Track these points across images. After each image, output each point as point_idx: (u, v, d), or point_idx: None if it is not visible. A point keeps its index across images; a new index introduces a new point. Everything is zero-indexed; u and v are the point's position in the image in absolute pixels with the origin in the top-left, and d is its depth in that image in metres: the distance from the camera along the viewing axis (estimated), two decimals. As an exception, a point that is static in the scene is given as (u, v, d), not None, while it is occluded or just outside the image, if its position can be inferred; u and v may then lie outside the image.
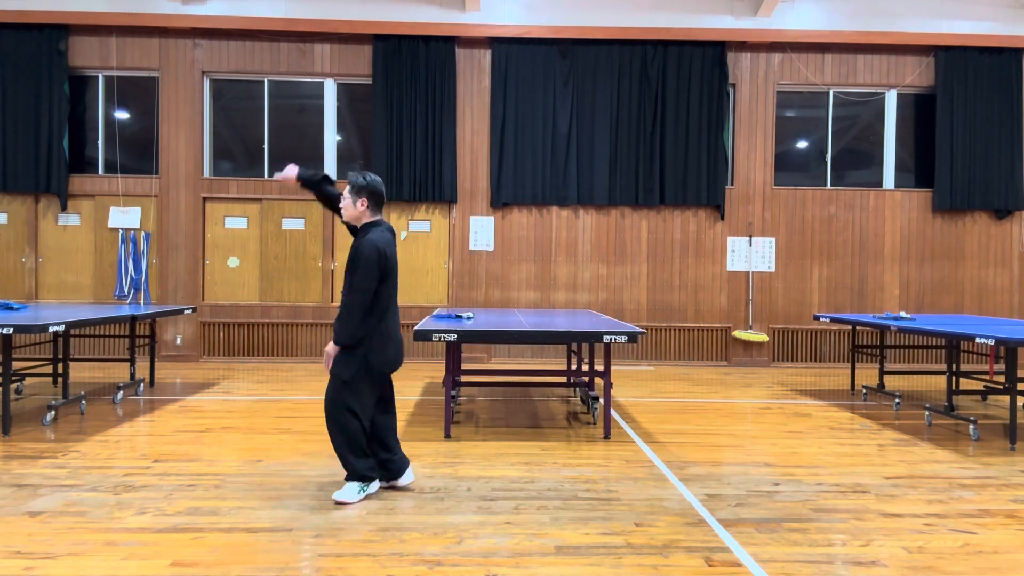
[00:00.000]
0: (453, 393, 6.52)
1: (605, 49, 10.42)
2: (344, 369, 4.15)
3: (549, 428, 6.26)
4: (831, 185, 10.87)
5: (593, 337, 5.63)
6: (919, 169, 11.01)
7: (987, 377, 6.97)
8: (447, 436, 5.84)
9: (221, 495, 4.30)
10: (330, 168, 10.59)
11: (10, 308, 6.87)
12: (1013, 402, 5.89)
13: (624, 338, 5.53)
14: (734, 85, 10.68)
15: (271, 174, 10.56)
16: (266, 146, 10.63)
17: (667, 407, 7.32)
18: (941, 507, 4.26)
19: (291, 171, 4.45)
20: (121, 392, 7.20)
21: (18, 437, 5.67)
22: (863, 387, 8.01)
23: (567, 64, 10.42)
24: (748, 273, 10.69)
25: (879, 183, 10.94)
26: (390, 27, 10.15)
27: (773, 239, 10.70)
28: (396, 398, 7.59)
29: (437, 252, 10.63)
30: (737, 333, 10.60)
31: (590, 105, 10.44)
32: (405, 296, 10.55)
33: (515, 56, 10.36)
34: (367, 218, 4.31)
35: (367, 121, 10.65)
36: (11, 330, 5.12)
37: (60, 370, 7.15)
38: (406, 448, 5.45)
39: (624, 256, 10.64)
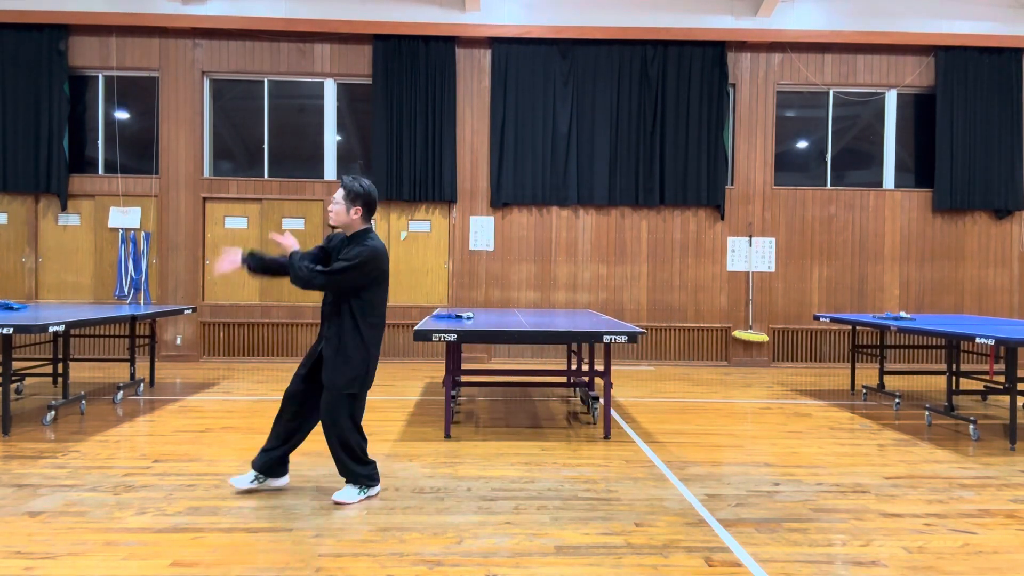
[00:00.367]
0: (453, 393, 6.52)
1: (605, 49, 10.42)
2: (349, 382, 4.12)
3: (549, 428, 6.26)
4: (831, 185, 10.87)
5: (593, 337, 5.63)
6: (919, 169, 11.01)
7: (987, 377, 6.97)
8: (447, 436, 5.84)
9: (221, 495, 4.29)
10: (330, 168, 10.59)
11: (10, 308, 6.87)
12: (1013, 402, 5.89)
13: (624, 338, 5.53)
14: (734, 85, 10.68)
15: (268, 173, 10.56)
16: (266, 146, 10.63)
17: (667, 407, 7.32)
18: (941, 507, 4.26)
19: (234, 256, 4.16)
20: (121, 392, 7.20)
21: (18, 437, 5.67)
22: (863, 387, 8.01)
23: (567, 64, 10.42)
24: (748, 273, 10.69)
25: (879, 183, 10.94)
26: (390, 27, 10.15)
27: (773, 239, 10.70)
28: (396, 398, 7.55)
29: (437, 252, 10.63)
30: (737, 333, 10.60)
31: (590, 105, 10.44)
32: (405, 296, 10.56)
33: (515, 56, 10.36)
34: (358, 226, 4.21)
35: (367, 121, 10.65)
36: (11, 330, 5.12)
37: (60, 370, 7.15)
38: (406, 448, 5.46)
39: (624, 256, 10.64)
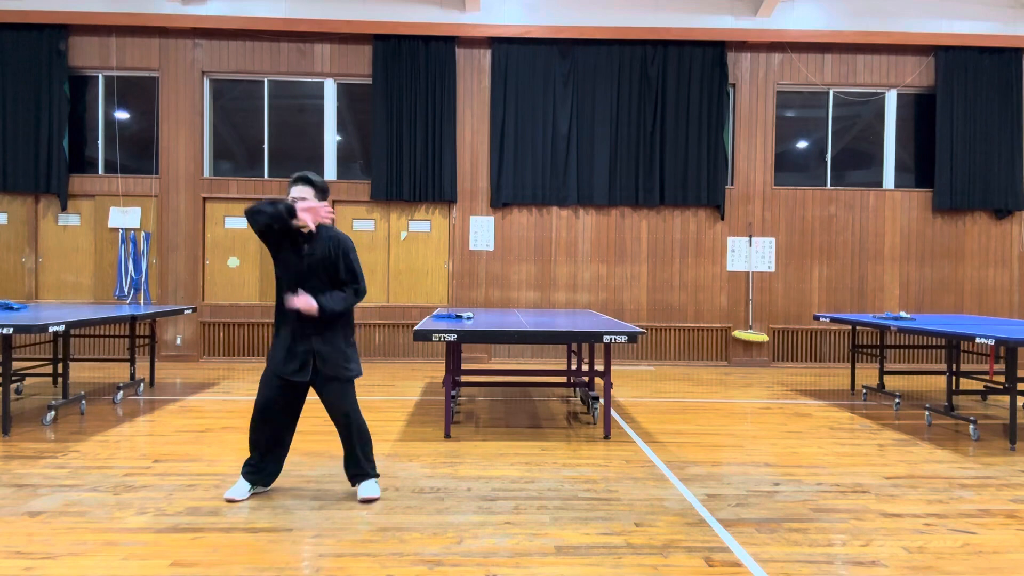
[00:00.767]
0: (453, 393, 6.52)
1: (605, 49, 10.42)
2: (355, 368, 4.24)
3: (549, 428, 6.25)
4: (831, 185, 10.87)
5: (593, 337, 5.63)
6: (919, 169, 11.01)
7: (987, 377, 6.97)
8: (447, 436, 5.84)
9: (221, 495, 4.29)
10: (330, 168, 10.60)
11: (10, 308, 6.86)
12: (1013, 402, 5.89)
13: (624, 338, 5.53)
14: (734, 85, 10.68)
15: (268, 173, 10.56)
16: (266, 146, 10.63)
17: (667, 407, 7.32)
18: (941, 507, 4.26)
19: (311, 304, 4.04)
20: (121, 392, 7.20)
21: (18, 437, 5.67)
22: (863, 387, 8.01)
23: (567, 64, 10.42)
24: (748, 273, 10.69)
25: (879, 183, 10.94)
26: (390, 27, 10.15)
27: (773, 239, 10.70)
28: (396, 398, 7.55)
29: (437, 252, 10.63)
30: (737, 333, 10.60)
31: (590, 105, 10.44)
32: (405, 296, 10.56)
33: (515, 56, 10.36)
34: None
35: (367, 121, 10.65)
36: (11, 330, 5.12)
37: (60, 370, 7.15)
38: (406, 448, 5.46)
39: (624, 256, 10.64)
